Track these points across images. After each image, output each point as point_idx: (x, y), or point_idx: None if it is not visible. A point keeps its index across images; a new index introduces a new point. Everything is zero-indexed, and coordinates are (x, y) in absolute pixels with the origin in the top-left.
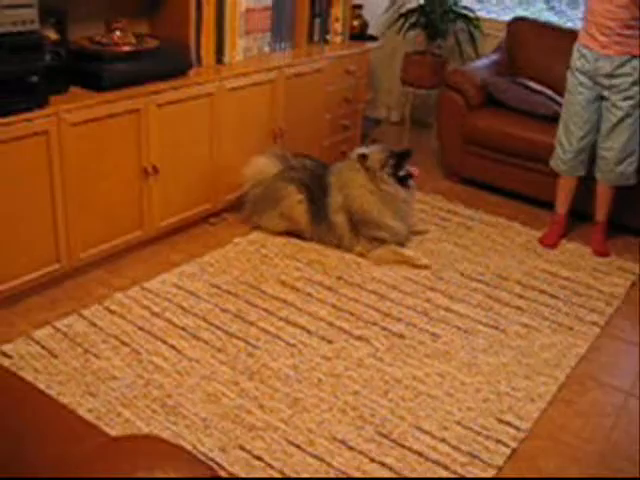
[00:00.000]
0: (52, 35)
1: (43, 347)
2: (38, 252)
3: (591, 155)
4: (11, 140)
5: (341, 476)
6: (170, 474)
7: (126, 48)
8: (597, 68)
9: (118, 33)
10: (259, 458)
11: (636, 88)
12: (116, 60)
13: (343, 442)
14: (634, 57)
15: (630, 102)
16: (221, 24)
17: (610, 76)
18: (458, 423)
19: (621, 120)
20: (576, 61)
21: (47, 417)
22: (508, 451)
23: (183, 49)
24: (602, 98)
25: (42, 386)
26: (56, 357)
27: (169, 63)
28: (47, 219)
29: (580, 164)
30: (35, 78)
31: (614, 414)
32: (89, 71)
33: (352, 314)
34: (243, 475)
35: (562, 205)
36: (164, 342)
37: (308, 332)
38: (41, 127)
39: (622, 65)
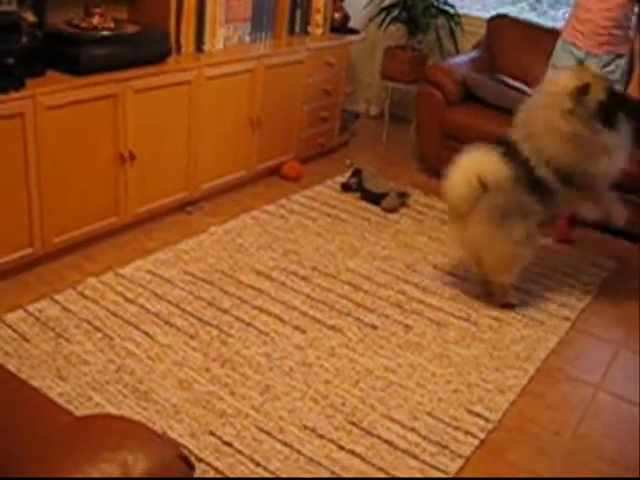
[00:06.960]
0: (30, 17)
1: (14, 330)
2: (11, 236)
3: None
4: None
5: (314, 464)
6: (135, 451)
7: (104, 32)
8: None
9: (97, 17)
10: (229, 444)
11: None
12: (94, 44)
13: (313, 430)
14: (618, 56)
15: None
16: (202, 12)
17: None
18: (428, 413)
19: None
20: (561, 57)
21: (16, 398)
22: (476, 442)
23: (162, 35)
24: None
25: (13, 369)
26: (27, 341)
27: (148, 49)
28: (21, 203)
29: None
30: (11, 60)
31: (582, 408)
32: (66, 54)
33: (326, 304)
34: (212, 460)
35: None
36: (137, 328)
37: (281, 321)
38: (16, 109)
39: (608, 64)
